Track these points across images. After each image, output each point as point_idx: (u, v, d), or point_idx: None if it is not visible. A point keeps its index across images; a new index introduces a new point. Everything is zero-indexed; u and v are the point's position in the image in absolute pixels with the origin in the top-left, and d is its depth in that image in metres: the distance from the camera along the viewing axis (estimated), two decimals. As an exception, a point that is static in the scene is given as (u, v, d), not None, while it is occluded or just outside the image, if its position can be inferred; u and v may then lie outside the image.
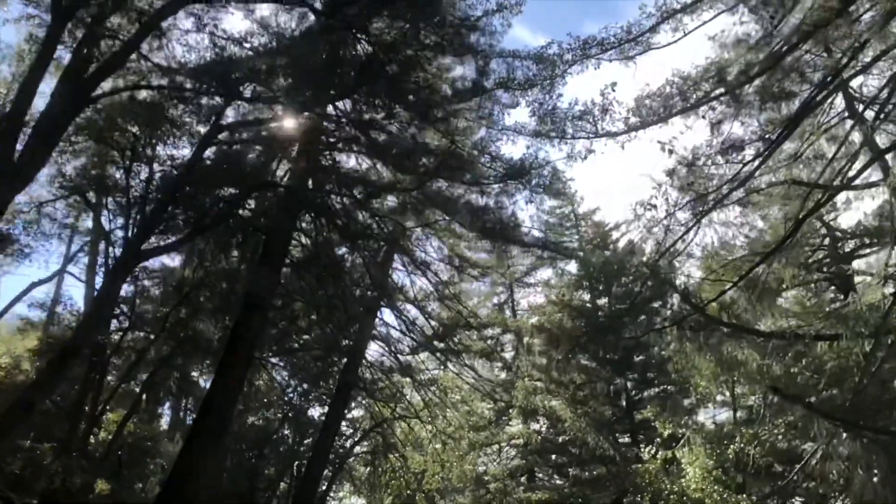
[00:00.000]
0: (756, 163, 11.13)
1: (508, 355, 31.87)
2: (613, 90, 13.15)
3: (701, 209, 11.29)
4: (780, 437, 14.77)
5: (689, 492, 14.67)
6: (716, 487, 14.37)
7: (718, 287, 12.30)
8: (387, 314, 25.18)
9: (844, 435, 10.22)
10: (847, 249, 22.05)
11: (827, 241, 21.93)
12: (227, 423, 14.63)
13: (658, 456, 16.40)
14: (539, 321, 28.90)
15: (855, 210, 26.56)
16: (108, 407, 18.61)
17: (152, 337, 17.82)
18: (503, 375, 30.68)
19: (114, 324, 17.75)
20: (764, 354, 12.13)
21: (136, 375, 19.37)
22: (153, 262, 18.24)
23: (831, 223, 21.83)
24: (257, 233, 14.31)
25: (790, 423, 13.88)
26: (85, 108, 12.76)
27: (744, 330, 12.08)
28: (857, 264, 21.86)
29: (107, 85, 15.43)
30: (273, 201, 14.68)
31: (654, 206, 11.39)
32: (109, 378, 18.67)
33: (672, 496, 15.01)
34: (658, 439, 18.06)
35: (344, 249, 19.96)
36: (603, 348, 27.61)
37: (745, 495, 14.24)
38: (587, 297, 30.91)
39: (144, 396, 20.25)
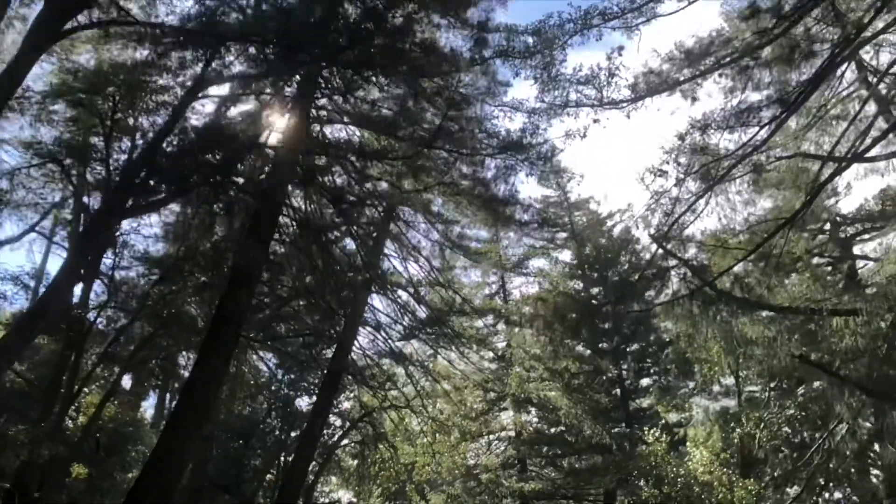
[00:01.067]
0: (773, 126, 10.57)
1: (501, 345, 31.37)
2: (620, 54, 12.57)
3: (714, 174, 10.72)
4: (785, 421, 14.23)
5: (698, 474, 14.10)
6: (724, 470, 13.84)
7: (730, 259, 11.77)
8: (377, 301, 24.56)
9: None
10: (848, 234, 21.68)
11: (828, 226, 21.55)
12: (212, 404, 13.92)
13: (662, 439, 15.82)
14: (532, 308, 28.37)
15: (856, 195, 26.32)
16: (86, 389, 17.74)
17: (135, 315, 16.94)
18: (494, 366, 30.14)
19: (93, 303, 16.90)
20: (777, 331, 11.59)
21: (116, 356, 18.41)
22: (135, 238, 17.42)
23: (832, 208, 21.43)
24: (245, 198, 13.52)
25: (800, 404, 13.37)
26: (53, 44, 11.94)
27: (756, 305, 11.55)
28: (858, 249, 21.54)
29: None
30: (262, 168, 13.91)
31: (665, 173, 10.81)
32: (87, 360, 17.76)
33: (679, 479, 14.43)
34: (660, 423, 17.51)
35: (336, 234, 19.33)
36: (597, 335, 27.14)
37: (751, 479, 13.71)
38: (580, 285, 30.41)
39: (130, 379, 19.30)
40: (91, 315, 16.43)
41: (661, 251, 12.08)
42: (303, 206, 15.36)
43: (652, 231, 12.17)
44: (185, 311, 17.27)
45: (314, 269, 17.80)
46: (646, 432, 16.79)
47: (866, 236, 22.03)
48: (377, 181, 14.88)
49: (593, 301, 28.99)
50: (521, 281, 35.74)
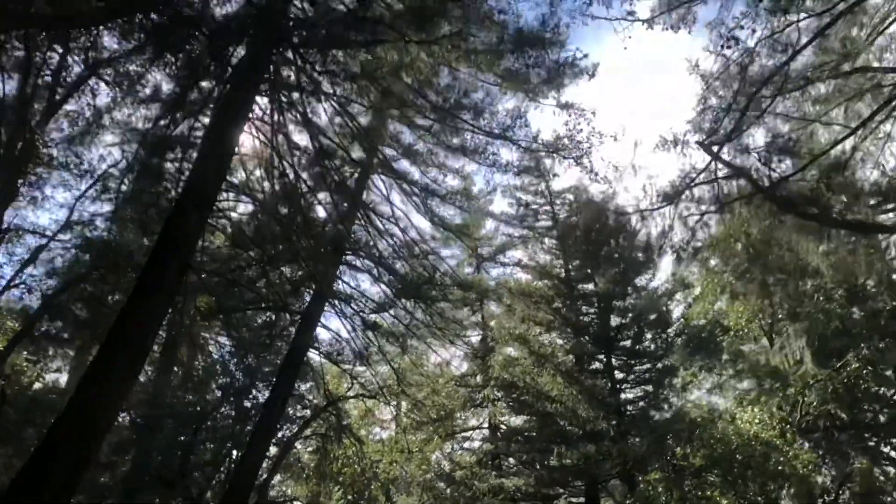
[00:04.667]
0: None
1: (476, 339, 29.19)
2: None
3: (790, 47, 8.71)
4: (841, 383, 12.05)
5: (755, 432, 11.79)
6: (788, 427, 11.71)
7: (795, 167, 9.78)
8: (347, 275, 22.26)
9: None
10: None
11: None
12: (149, 345, 11.29)
13: (699, 399, 13.67)
14: (513, 296, 26.28)
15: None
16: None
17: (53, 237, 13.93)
18: (472, 359, 27.93)
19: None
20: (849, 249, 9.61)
21: (31, 289, 15.19)
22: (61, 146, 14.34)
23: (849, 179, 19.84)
24: (195, 47, 10.81)
25: (864, 357, 11.30)
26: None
27: (826, 219, 9.55)
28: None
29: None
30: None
31: (737, 41, 8.71)
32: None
33: (732, 437, 12.04)
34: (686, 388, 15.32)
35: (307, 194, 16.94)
36: (585, 322, 25.08)
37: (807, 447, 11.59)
38: (563, 273, 28.25)
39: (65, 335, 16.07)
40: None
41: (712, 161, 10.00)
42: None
43: (702, 138, 10.13)
44: (122, 243, 14.35)
45: (281, 225, 15.48)
46: (680, 392, 14.57)
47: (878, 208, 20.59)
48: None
49: (580, 286, 26.93)
50: (498, 272, 33.79)
